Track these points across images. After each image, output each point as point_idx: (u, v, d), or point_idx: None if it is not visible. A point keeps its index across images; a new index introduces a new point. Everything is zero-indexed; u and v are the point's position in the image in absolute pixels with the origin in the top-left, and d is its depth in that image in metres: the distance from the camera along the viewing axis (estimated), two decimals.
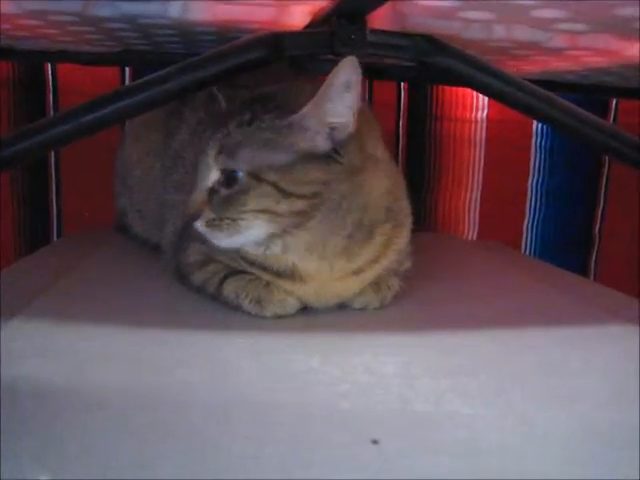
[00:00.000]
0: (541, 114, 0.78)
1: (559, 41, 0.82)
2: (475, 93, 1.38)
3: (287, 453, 0.44)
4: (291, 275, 0.73)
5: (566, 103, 0.77)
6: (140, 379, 0.56)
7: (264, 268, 0.74)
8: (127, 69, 1.30)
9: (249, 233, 0.69)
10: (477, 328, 0.73)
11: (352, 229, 0.71)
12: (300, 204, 0.68)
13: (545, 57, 0.95)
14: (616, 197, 1.45)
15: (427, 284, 0.87)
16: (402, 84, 1.38)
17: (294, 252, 0.71)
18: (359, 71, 0.66)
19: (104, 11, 0.78)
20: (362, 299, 0.77)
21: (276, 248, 0.71)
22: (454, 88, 1.38)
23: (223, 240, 0.70)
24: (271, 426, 0.48)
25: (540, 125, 1.41)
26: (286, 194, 0.67)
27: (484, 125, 1.40)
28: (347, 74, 0.66)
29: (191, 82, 0.72)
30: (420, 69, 0.78)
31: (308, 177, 0.68)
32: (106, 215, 1.18)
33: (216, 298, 0.77)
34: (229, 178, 0.69)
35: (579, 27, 0.74)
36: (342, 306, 0.78)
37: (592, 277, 1.47)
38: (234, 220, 0.68)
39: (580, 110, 0.79)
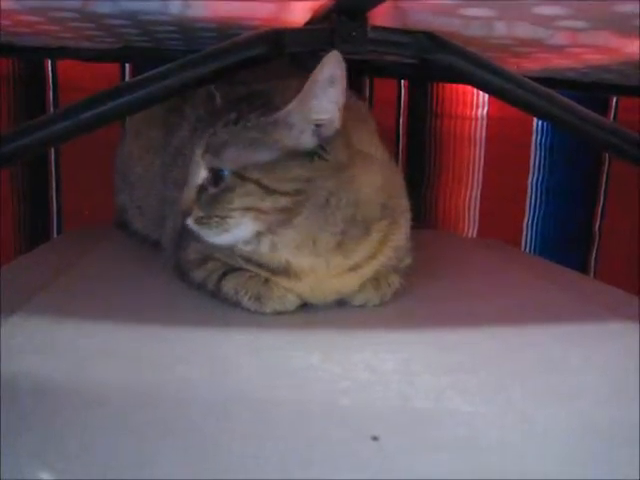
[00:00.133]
0: (542, 111, 0.78)
1: (560, 38, 0.82)
2: (475, 90, 1.38)
3: (287, 450, 0.44)
4: (286, 272, 0.73)
5: (567, 100, 0.77)
6: (140, 376, 0.56)
7: (260, 265, 0.74)
8: (127, 66, 1.30)
9: (237, 231, 0.70)
10: (477, 325, 0.73)
11: (344, 226, 0.71)
12: (284, 201, 0.68)
13: (546, 54, 0.94)
14: (616, 195, 1.45)
15: (427, 281, 0.87)
16: (402, 82, 1.38)
17: (283, 249, 0.72)
18: (343, 66, 0.66)
19: (104, 7, 0.78)
20: (362, 296, 0.77)
21: (265, 245, 0.71)
22: (454, 85, 1.37)
23: (212, 237, 0.71)
24: (271, 423, 0.48)
25: (540, 123, 1.40)
26: (269, 191, 0.68)
27: (484, 123, 1.40)
28: (331, 69, 0.66)
29: (191, 79, 0.72)
30: (421, 66, 0.78)
31: (291, 174, 0.68)
32: (106, 212, 1.18)
33: (216, 295, 0.77)
34: (216, 177, 0.69)
35: (580, 24, 0.74)
36: (342, 303, 0.78)
37: (592, 274, 1.47)
38: (222, 218, 0.69)
39: (580, 107, 0.78)
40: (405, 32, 0.73)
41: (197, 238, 0.74)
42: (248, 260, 0.74)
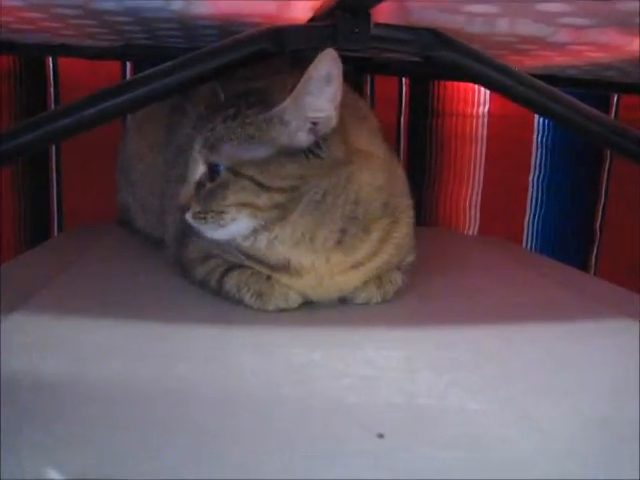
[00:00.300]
0: (545, 109, 0.78)
1: (562, 36, 0.82)
2: (476, 88, 1.38)
3: (290, 447, 0.44)
4: (286, 269, 0.73)
5: (569, 98, 0.77)
6: (141, 373, 0.56)
7: (260, 262, 0.74)
8: (128, 63, 1.30)
9: (233, 226, 0.70)
10: (479, 323, 0.74)
11: (343, 223, 0.71)
12: (278, 197, 0.69)
13: (548, 52, 0.94)
14: (617, 192, 1.45)
15: (429, 279, 0.88)
16: (403, 79, 1.37)
17: (280, 245, 0.72)
18: (339, 64, 0.66)
19: (107, 4, 0.78)
20: (364, 294, 0.77)
21: (262, 241, 0.72)
22: (455, 83, 1.37)
23: (209, 232, 0.72)
24: (273, 420, 0.48)
25: (541, 121, 1.40)
26: (264, 188, 0.68)
27: (485, 120, 1.40)
28: (327, 67, 0.66)
29: (194, 75, 0.72)
30: (424, 64, 0.77)
31: (285, 171, 0.68)
32: (107, 209, 1.18)
33: (218, 292, 0.77)
34: (212, 172, 0.70)
35: (583, 21, 0.74)
36: (344, 301, 0.78)
37: (592, 272, 1.47)
38: (218, 213, 0.69)
39: (583, 105, 0.78)
40: (408, 29, 0.73)
41: (199, 235, 0.75)
42: (249, 256, 0.75)
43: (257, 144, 0.68)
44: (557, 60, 1.00)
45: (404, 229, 0.79)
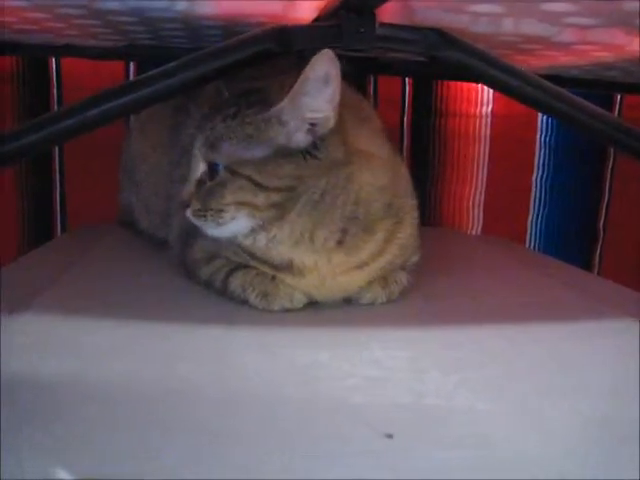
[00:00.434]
0: (550, 108, 0.78)
1: (567, 35, 0.82)
2: (480, 88, 1.38)
3: (295, 447, 0.44)
4: (289, 268, 0.73)
5: (575, 97, 0.77)
6: (144, 373, 0.56)
7: (264, 261, 0.74)
8: (131, 64, 1.30)
9: (232, 225, 0.70)
10: (484, 323, 0.74)
11: (344, 224, 0.71)
12: (276, 197, 0.69)
13: (553, 52, 0.94)
14: (620, 192, 1.44)
15: (434, 279, 0.88)
16: (407, 79, 1.37)
17: (279, 245, 0.72)
18: (337, 64, 0.66)
19: (111, 4, 0.78)
20: (369, 294, 0.77)
21: (261, 240, 0.72)
22: (459, 83, 1.37)
23: (209, 230, 0.72)
24: (279, 421, 0.48)
25: (545, 120, 1.40)
26: (262, 187, 0.68)
27: (489, 120, 1.39)
28: (324, 68, 0.66)
29: (198, 75, 0.72)
30: (429, 64, 0.77)
31: (283, 171, 0.69)
32: (110, 210, 1.18)
33: (223, 293, 0.77)
34: (212, 170, 0.71)
35: (588, 21, 0.74)
36: (349, 301, 0.78)
37: (596, 272, 1.47)
38: (217, 212, 0.70)
39: (588, 104, 0.78)
40: (414, 29, 0.73)
41: (203, 235, 0.75)
42: (252, 256, 0.75)
43: (255, 144, 0.68)
44: (562, 60, 1.00)
45: (408, 229, 0.78)
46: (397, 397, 0.53)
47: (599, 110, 0.79)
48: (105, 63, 1.25)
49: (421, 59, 0.76)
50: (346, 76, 0.68)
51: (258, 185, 0.68)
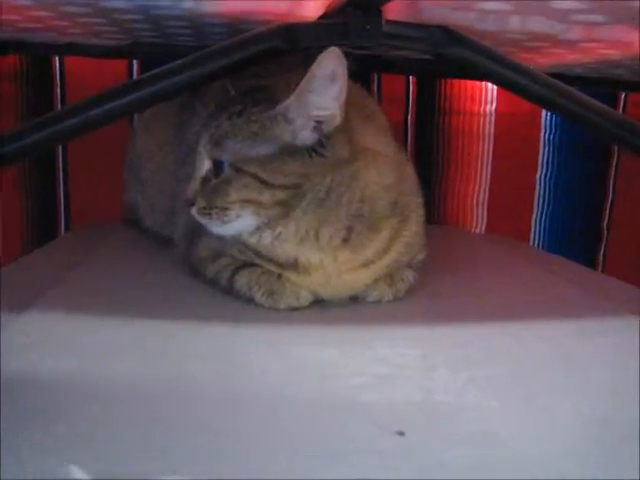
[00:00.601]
0: (557, 106, 0.78)
1: (574, 33, 0.82)
2: (484, 86, 1.38)
3: (303, 446, 0.44)
4: (294, 266, 0.73)
5: (582, 95, 0.77)
6: (150, 371, 0.56)
7: (270, 259, 0.74)
8: (135, 62, 1.29)
9: (237, 222, 0.70)
10: (491, 320, 0.74)
11: (349, 221, 0.71)
12: (281, 194, 0.69)
13: (559, 49, 0.94)
14: (624, 190, 1.44)
15: (439, 277, 0.87)
16: (410, 78, 1.37)
17: (284, 242, 0.72)
18: (344, 62, 0.66)
19: (117, 3, 0.77)
20: (376, 292, 0.77)
21: (267, 238, 0.72)
22: (462, 82, 1.37)
23: (214, 228, 0.72)
24: (288, 419, 0.48)
25: (549, 118, 1.40)
26: (267, 185, 0.68)
27: (492, 119, 1.39)
28: (331, 65, 0.65)
29: (205, 73, 0.72)
30: (429, 62, 0.77)
31: (288, 169, 0.69)
32: (114, 209, 1.18)
33: (228, 291, 0.77)
34: (217, 168, 0.71)
35: (596, 18, 0.74)
36: (355, 299, 0.78)
37: (600, 270, 1.47)
38: (222, 209, 0.70)
39: (594, 102, 0.78)
40: (420, 26, 0.73)
41: (208, 233, 0.75)
42: (258, 254, 0.74)
43: (261, 141, 0.68)
44: (567, 58, 1.00)
45: (414, 227, 0.78)
46: (406, 395, 0.53)
47: (606, 108, 0.79)
48: (109, 61, 1.25)
49: (427, 57, 0.76)
50: (352, 74, 0.68)
51: (263, 183, 0.68)
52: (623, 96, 1.40)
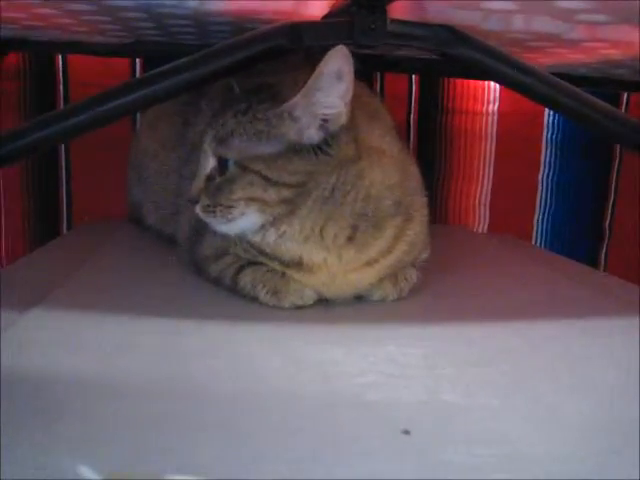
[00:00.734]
0: (562, 106, 0.78)
1: (578, 33, 0.82)
2: (486, 86, 1.38)
3: (311, 444, 0.44)
4: (298, 265, 0.73)
5: (587, 95, 0.77)
6: (155, 369, 0.56)
7: (273, 258, 0.74)
8: (138, 60, 1.29)
9: (242, 221, 0.70)
10: (497, 319, 0.74)
11: (354, 220, 0.71)
12: (286, 193, 0.69)
13: (562, 49, 0.94)
14: (626, 190, 1.44)
15: (444, 276, 0.88)
16: (413, 77, 1.37)
17: (289, 241, 0.72)
18: (351, 61, 0.66)
19: (123, 2, 0.77)
20: (380, 291, 0.77)
21: (271, 236, 0.72)
22: (465, 81, 1.37)
23: (218, 226, 0.72)
24: (296, 417, 0.48)
25: (551, 118, 1.40)
26: (272, 183, 0.68)
27: (495, 118, 1.39)
28: (337, 64, 0.65)
29: (209, 72, 0.72)
30: (432, 61, 0.77)
31: (293, 167, 0.69)
32: (116, 207, 1.18)
33: (232, 289, 0.77)
34: (222, 166, 0.71)
35: (600, 18, 0.74)
36: (359, 299, 0.78)
37: (602, 270, 1.47)
38: (226, 207, 0.70)
39: (599, 101, 0.78)
40: (425, 25, 0.73)
41: (212, 231, 0.75)
42: (262, 252, 0.75)
43: (266, 139, 0.68)
44: (570, 58, 1.00)
45: (418, 227, 0.78)
46: (411, 394, 0.53)
47: (610, 108, 0.79)
48: (112, 60, 1.25)
49: (431, 56, 0.76)
50: (356, 73, 0.68)
51: (268, 181, 0.68)
52: (625, 96, 1.40)
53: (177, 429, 0.45)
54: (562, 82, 0.77)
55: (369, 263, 0.75)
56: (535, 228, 1.45)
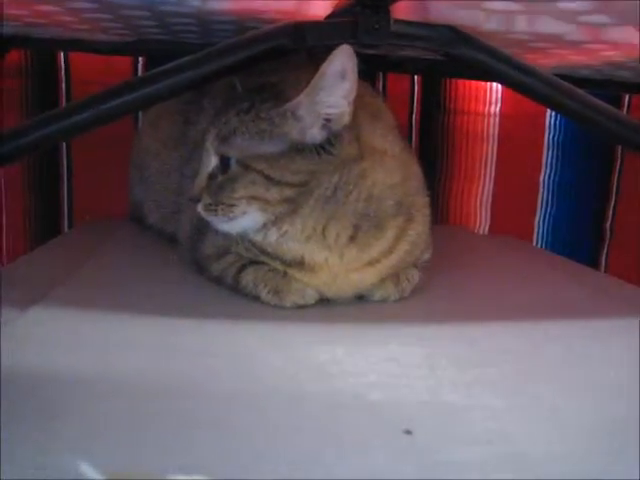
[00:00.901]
0: (563, 106, 0.78)
1: (580, 34, 0.82)
2: (488, 87, 1.38)
3: (313, 443, 0.44)
4: (300, 264, 0.73)
5: (590, 97, 0.77)
6: (157, 368, 0.56)
7: (275, 257, 0.74)
8: (140, 59, 1.29)
9: (243, 219, 0.70)
10: (498, 320, 0.74)
11: (356, 220, 0.72)
12: (288, 192, 0.69)
13: (564, 50, 0.94)
14: (628, 192, 1.44)
15: (444, 277, 0.88)
16: (415, 77, 1.37)
17: (290, 240, 0.72)
18: (355, 60, 0.66)
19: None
20: (382, 291, 0.77)
21: (272, 235, 0.72)
22: (467, 82, 1.37)
23: (220, 225, 0.72)
24: (298, 416, 0.48)
25: (553, 120, 1.40)
26: (274, 182, 0.68)
27: (497, 119, 1.39)
28: (342, 63, 0.66)
29: (212, 71, 0.72)
30: (435, 62, 0.77)
31: (295, 166, 0.69)
32: (117, 206, 1.18)
33: (234, 288, 0.77)
34: (224, 164, 0.71)
35: (602, 19, 0.73)
36: (361, 298, 0.78)
37: (603, 271, 1.47)
38: (228, 206, 0.70)
39: (601, 103, 0.78)
40: (428, 26, 0.73)
41: (214, 230, 0.75)
42: (263, 252, 0.75)
43: (269, 138, 0.68)
44: (572, 59, 1.00)
45: (419, 227, 0.78)
46: (413, 394, 0.53)
47: (613, 109, 0.79)
48: (114, 58, 1.25)
49: (433, 56, 0.76)
50: (359, 73, 0.68)
51: (270, 179, 0.68)
52: (627, 98, 1.40)
53: (177, 428, 0.45)
54: (564, 83, 0.77)
55: (371, 263, 0.75)
56: (536, 229, 1.45)
